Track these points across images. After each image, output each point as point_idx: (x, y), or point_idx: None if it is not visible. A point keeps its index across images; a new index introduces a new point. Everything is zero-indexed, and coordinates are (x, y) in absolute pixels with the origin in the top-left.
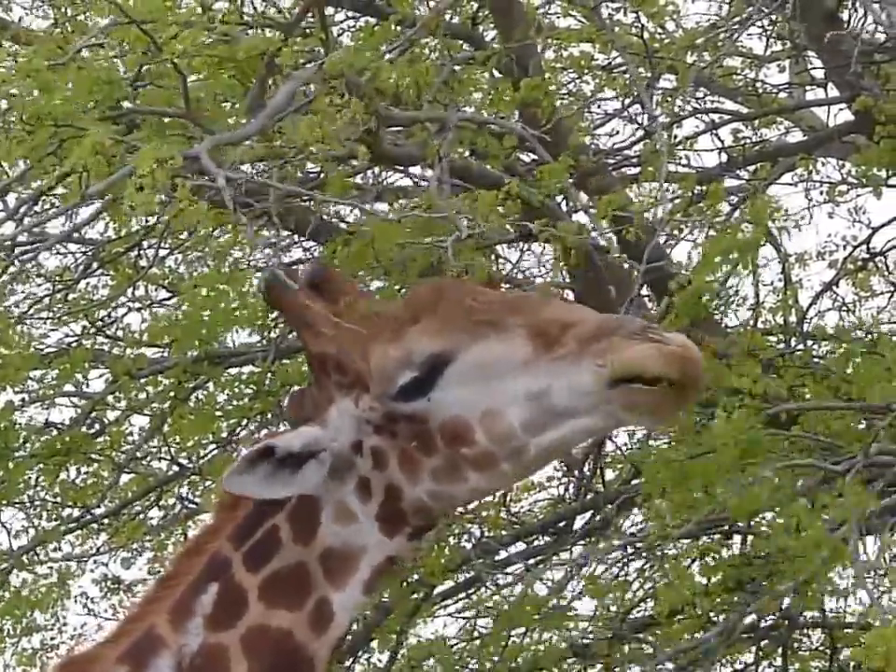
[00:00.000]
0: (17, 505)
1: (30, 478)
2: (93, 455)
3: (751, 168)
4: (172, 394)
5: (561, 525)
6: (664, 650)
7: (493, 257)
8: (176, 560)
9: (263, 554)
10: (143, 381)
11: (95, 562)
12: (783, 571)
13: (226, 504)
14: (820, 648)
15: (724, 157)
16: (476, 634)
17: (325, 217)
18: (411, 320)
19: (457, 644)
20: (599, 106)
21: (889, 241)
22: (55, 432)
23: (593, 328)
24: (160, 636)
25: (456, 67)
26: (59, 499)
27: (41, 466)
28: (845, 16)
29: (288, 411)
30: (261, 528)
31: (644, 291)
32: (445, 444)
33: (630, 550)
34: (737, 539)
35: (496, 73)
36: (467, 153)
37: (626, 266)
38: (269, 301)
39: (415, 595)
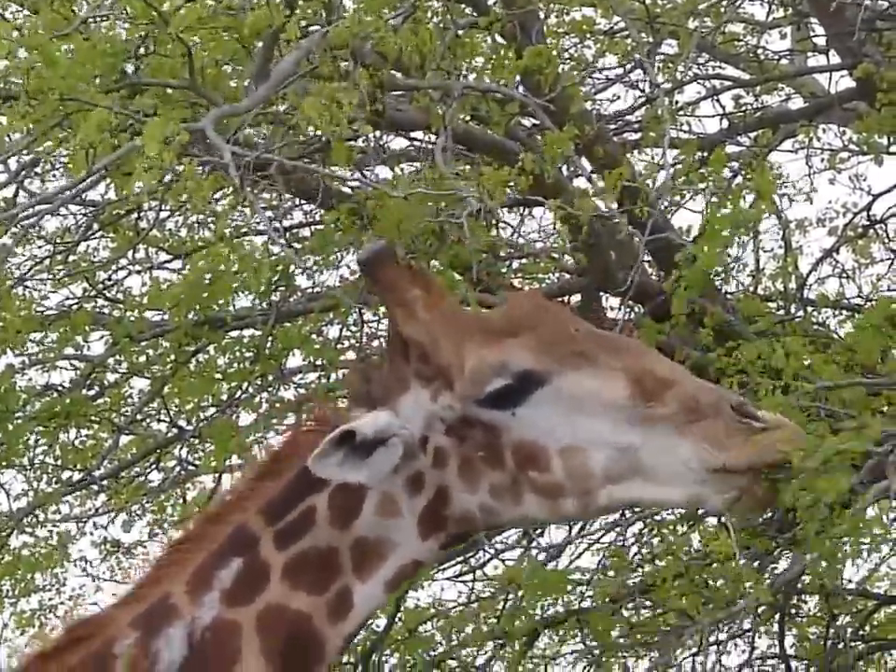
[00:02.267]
0: (17, 467)
1: (30, 440)
2: (93, 418)
3: (752, 134)
4: (172, 357)
5: None
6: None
7: (494, 222)
8: (197, 524)
9: (294, 533)
10: (143, 343)
11: (95, 524)
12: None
13: (257, 473)
14: (818, 614)
15: (725, 123)
16: (474, 598)
17: (327, 182)
18: (509, 332)
19: (455, 608)
20: (601, 72)
21: (890, 208)
22: (55, 394)
23: (694, 395)
24: (175, 605)
25: (459, 32)
26: (59, 462)
27: (41, 428)
28: None
29: (352, 387)
30: (298, 507)
31: (646, 257)
32: (515, 463)
33: (629, 514)
34: None
35: (498, 38)
36: (469, 118)
37: (626, 232)
38: (367, 272)
39: None
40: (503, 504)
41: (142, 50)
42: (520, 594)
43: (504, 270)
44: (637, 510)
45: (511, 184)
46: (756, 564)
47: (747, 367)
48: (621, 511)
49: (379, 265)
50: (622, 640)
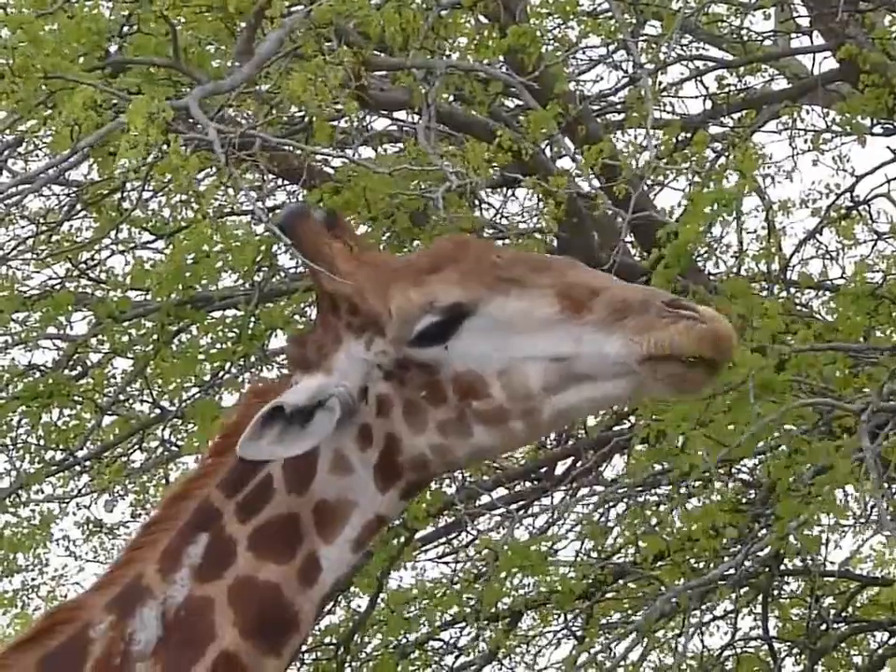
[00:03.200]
0: None
1: (12, 420)
2: (76, 398)
3: (736, 115)
4: (155, 337)
5: (542, 470)
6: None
7: (476, 202)
8: (164, 504)
9: (255, 504)
10: (126, 324)
11: (77, 504)
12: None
13: (216, 449)
14: (801, 595)
15: (709, 104)
16: (456, 579)
17: (312, 163)
18: (431, 269)
19: (438, 589)
20: (584, 52)
21: (873, 189)
22: (38, 374)
23: (622, 297)
24: (147, 585)
25: (443, 12)
26: (41, 442)
27: (24, 408)
28: None
29: (289, 353)
30: (255, 477)
31: (629, 238)
32: (457, 396)
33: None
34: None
35: (482, 18)
36: (452, 98)
37: (610, 212)
38: (286, 230)
39: (396, 540)
40: (453, 440)
41: (126, 29)
42: (502, 575)
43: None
44: (619, 489)
45: (494, 164)
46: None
47: None
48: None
49: (297, 226)
50: (603, 620)
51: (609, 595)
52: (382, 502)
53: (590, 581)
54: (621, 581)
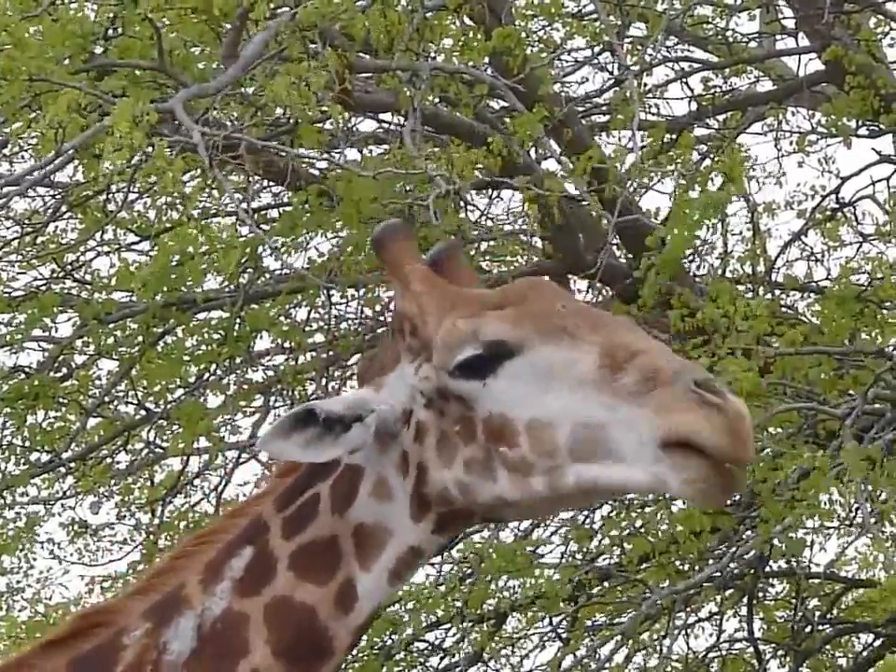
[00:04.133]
0: None
1: None
2: (61, 399)
3: (721, 117)
4: (140, 338)
5: None
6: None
7: (461, 204)
8: (221, 519)
9: (301, 522)
10: (111, 325)
11: (62, 506)
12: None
13: (281, 470)
14: (786, 597)
15: (694, 106)
16: (441, 581)
17: (296, 165)
18: (495, 305)
19: (425, 590)
20: (570, 54)
21: (858, 191)
22: (23, 376)
23: (655, 366)
24: (187, 595)
25: (428, 15)
26: (26, 443)
27: (9, 410)
28: None
29: (358, 369)
30: (305, 495)
31: (614, 240)
32: (485, 436)
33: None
34: None
35: (467, 20)
36: (437, 100)
37: (595, 214)
38: (378, 249)
39: None
40: (477, 481)
41: (111, 31)
42: (487, 578)
43: (472, 252)
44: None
45: (480, 166)
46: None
47: (706, 326)
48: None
49: (387, 240)
50: (588, 622)
51: (594, 599)
52: (416, 533)
53: (575, 583)
54: (606, 584)
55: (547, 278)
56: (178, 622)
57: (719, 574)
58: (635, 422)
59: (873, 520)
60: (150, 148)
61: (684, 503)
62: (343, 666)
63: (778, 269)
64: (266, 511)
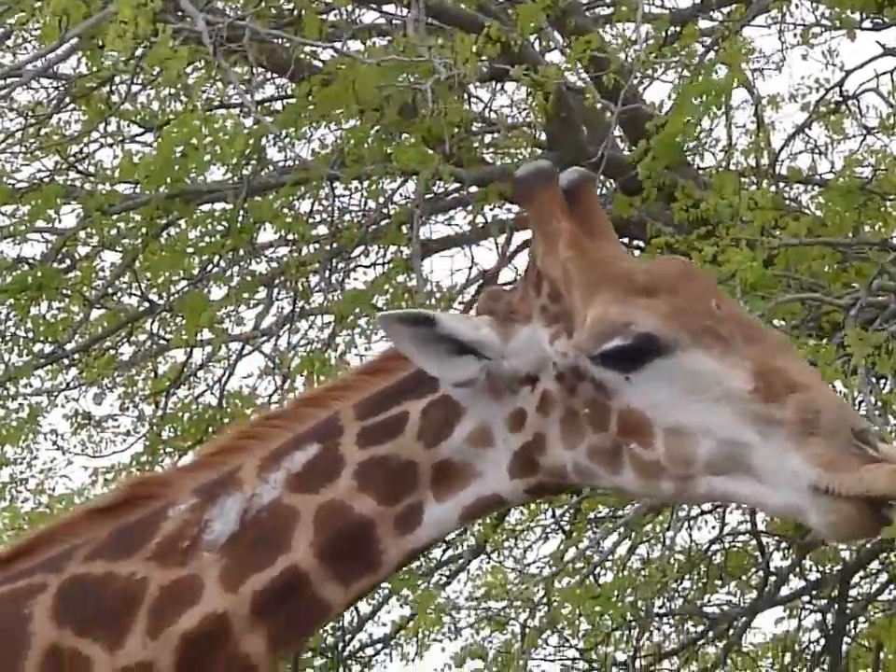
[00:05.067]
0: None
1: (0, 313)
2: (64, 291)
3: (725, 10)
4: (143, 230)
5: None
6: None
7: (465, 96)
8: (295, 403)
9: (380, 435)
10: (115, 217)
11: (66, 397)
12: None
13: (371, 367)
14: None
15: None
16: None
17: (300, 56)
18: (645, 290)
19: None
20: None
21: (862, 84)
22: (26, 267)
23: (817, 407)
24: (240, 478)
25: None
26: (30, 335)
27: (12, 301)
28: None
29: (481, 302)
30: (392, 409)
31: (617, 132)
32: (618, 430)
33: None
34: None
35: None
36: None
37: (599, 106)
38: (522, 191)
39: None
40: (599, 469)
41: None
42: None
43: (476, 144)
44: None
45: (484, 58)
46: None
47: (709, 217)
48: None
49: (535, 186)
50: (591, 514)
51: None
52: (507, 486)
53: None
54: None
55: (697, 266)
56: (225, 501)
57: None
58: (786, 456)
59: (877, 412)
60: (154, 37)
61: None
62: None
63: (782, 161)
64: (345, 414)
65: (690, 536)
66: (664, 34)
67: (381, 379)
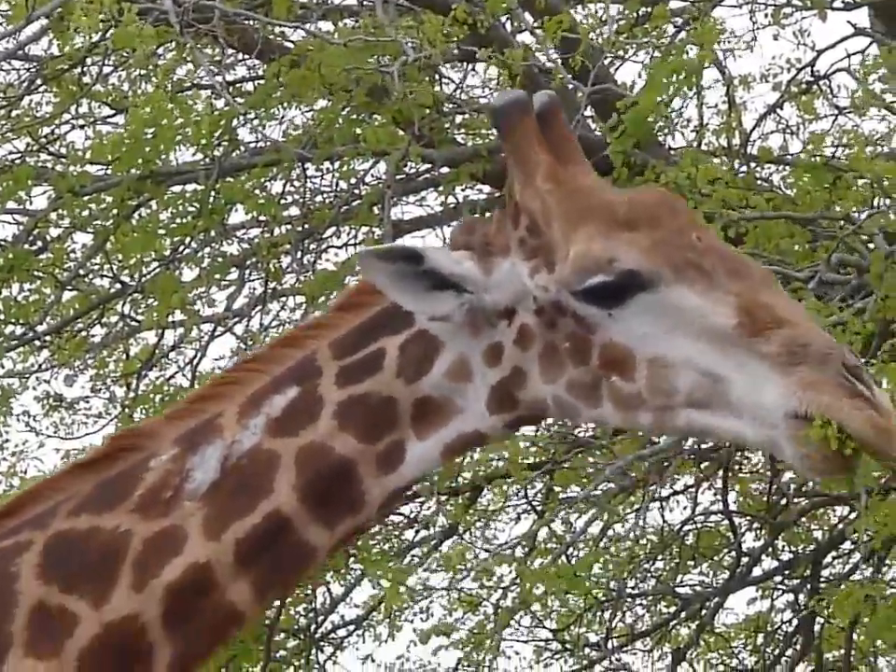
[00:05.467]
0: None
1: None
2: (36, 273)
3: None
4: (115, 211)
5: None
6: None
7: (436, 77)
8: (272, 346)
9: (358, 373)
10: (86, 198)
11: (37, 379)
12: None
13: (343, 303)
14: (761, 470)
15: None
16: None
17: (270, 36)
18: (626, 223)
19: None
20: None
21: (834, 64)
22: None
23: (805, 340)
24: (220, 425)
25: None
26: (1, 316)
27: None
28: None
29: (454, 236)
30: (369, 346)
31: (588, 112)
32: (599, 363)
33: None
34: None
35: None
36: None
37: (570, 87)
38: (499, 122)
39: None
40: (579, 402)
41: None
42: None
43: (447, 125)
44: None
45: (455, 39)
46: None
47: (671, 190)
48: None
49: (512, 117)
50: (562, 495)
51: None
52: (487, 422)
53: (550, 455)
54: (579, 456)
55: (676, 196)
56: (206, 450)
57: (695, 446)
58: (766, 385)
59: None
60: (120, 16)
61: None
62: None
63: (753, 142)
64: (321, 354)
65: (662, 516)
66: (635, 14)
67: (354, 315)
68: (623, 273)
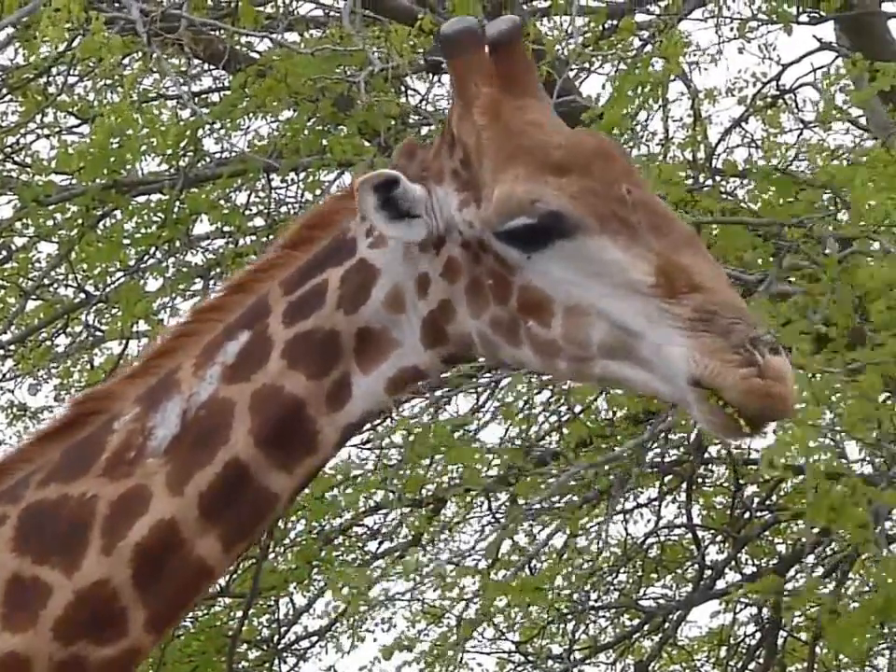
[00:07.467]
0: None
1: None
2: (0, 282)
3: (662, 3)
4: (80, 221)
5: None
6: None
7: (402, 88)
8: (223, 292)
9: (303, 310)
10: (51, 208)
11: (1, 388)
12: None
13: (292, 240)
14: (724, 483)
15: None
16: (380, 466)
17: (236, 47)
18: (558, 167)
19: (363, 475)
20: None
21: (799, 78)
22: None
23: (714, 307)
24: (178, 379)
25: None
26: None
27: None
28: None
29: (396, 157)
30: (313, 280)
31: None
32: (517, 306)
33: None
34: None
35: None
36: None
37: None
38: (446, 50)
39: None
40: (500, 340)
41: None
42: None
43: (413, 137)
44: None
45: (421, 50)
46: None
47: None
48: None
49: (459, 45)
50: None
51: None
52: (423, 357)
53: (514, 469)
54: (543, 469)
55: (615, 143)
56: (166, 406)
57: (658, 459)
58: (673, 347)
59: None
60: (87, 23)
61: None
62: (282, 550)
63: (719, 155)
64: (272, 293)
65: (625, 529)
66: (601, 27)
67: (303, 252)
68: (546, 215)
